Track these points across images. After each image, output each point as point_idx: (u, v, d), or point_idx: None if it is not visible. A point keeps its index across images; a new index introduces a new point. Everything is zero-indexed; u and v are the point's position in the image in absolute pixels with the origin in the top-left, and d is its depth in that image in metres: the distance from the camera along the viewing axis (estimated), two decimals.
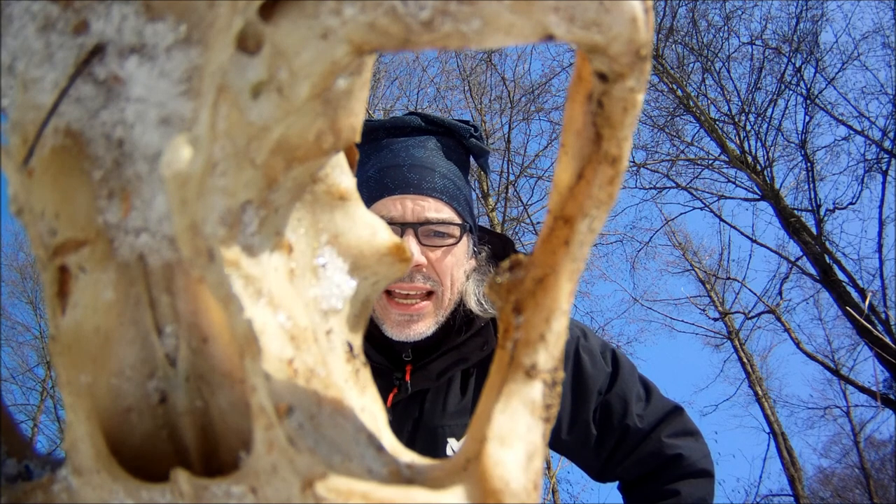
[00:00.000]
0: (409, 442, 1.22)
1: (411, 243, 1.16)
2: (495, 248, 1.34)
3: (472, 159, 1.35)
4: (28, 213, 0.31)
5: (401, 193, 1.18)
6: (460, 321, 1.25)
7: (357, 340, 0.35)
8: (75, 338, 0.31)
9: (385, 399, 1.22)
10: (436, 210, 1.19)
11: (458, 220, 1.21)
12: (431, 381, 1.23)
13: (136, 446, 0.33)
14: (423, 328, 1.19)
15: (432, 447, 1.21)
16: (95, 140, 0.30)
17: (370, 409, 0.32)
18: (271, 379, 0.27)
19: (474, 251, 1.30)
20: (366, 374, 0.34)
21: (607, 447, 1.30)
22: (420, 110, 1.31)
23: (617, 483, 1.39)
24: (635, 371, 1.35)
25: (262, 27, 0.26)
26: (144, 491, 0.30)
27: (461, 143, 1.30)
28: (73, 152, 0.31)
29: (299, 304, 0.30)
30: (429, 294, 1.20)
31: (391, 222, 1.17)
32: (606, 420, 1.29)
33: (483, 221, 10.06)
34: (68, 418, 0.32)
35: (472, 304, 1.23)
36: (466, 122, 1.31)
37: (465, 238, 1.24)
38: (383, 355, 1.24)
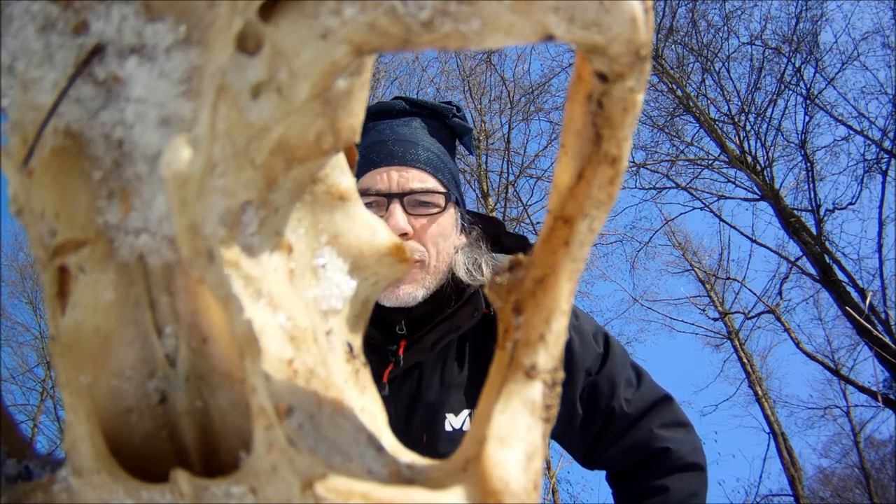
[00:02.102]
0: (407, 417, 1.23)
1: (397, 212, 1.20)
2: (486, 228, 1.36)
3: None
4: (28, 213, 0.31)
5: (386, 166, 1.22)
6: (450, 292, 1.26)
7: (357, 341, 0.35)
8: (75, 338, 0.31)
9: (381, 375, 1.23)
10: (420, 180, 1.22)
11: (441, 189, 1.24)
12: (426, 353, 1.24)
13: (136, 446, 0.33)
14: (412, 289, 1.21)
15: (430, 422, 1.22)
16: (95, 140, 0.30)
17: (370, 409, 0.32)
18: (271, 379, 0.27)
19: (463, 226, 1.32)
20: (366, 375, 0.34)
21: (592, 429, 1.29)
22: (405, 95, 1.35)
23: (606, 474, 1.38)
24: (627, 357, 1.34)
25: (261, 27, 0.26)
26: (144, 491, 0.30)
27: (445, 124, 1.34)
28: (73, 152, 0.31)
29: (299, 305, 0.30)
30: (415, 262, 1.22)
31: (377, 194, 1.21)
32: (593, 401, 1.28)
33: None
34: (68, 418, 0.32)
35: (462, 274, 1.25)
36: (449, 103, 1.35)
37: (451, 208, 1.26)
38: (378, 330, 1.26)
